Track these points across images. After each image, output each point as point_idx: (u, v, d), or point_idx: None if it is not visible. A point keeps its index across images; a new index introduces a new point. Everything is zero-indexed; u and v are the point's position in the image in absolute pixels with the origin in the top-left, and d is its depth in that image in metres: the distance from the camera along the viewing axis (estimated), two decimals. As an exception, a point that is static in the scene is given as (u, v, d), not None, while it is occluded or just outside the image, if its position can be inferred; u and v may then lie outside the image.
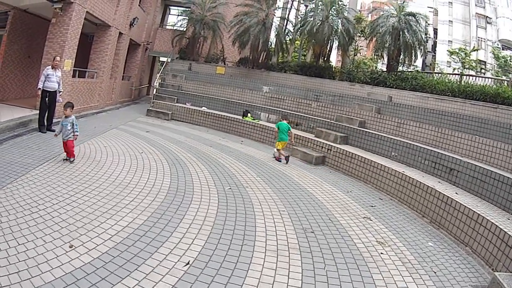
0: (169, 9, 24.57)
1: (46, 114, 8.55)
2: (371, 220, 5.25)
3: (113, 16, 13.39)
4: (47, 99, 8.39)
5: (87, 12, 10.95)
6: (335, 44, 15.65)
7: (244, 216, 4.82)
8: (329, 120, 10.66)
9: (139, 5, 17.06)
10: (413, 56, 13.39)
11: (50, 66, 8.52)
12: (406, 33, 12.90)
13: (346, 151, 8.46)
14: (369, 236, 4.66)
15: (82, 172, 6.04)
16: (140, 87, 21.39)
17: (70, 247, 3.58)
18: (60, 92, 8.80)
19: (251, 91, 14.08)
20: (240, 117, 12.46)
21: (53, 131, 8.20)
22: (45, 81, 8.33)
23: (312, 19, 14.76)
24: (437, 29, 34.64)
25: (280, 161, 8.75)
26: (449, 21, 34.94)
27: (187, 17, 18.93)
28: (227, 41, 17.60)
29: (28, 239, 3.60)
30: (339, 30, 14.30)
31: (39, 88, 8.32)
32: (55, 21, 10.12)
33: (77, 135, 6.41)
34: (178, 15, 22.23)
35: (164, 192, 5.54)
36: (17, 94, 11.89)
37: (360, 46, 17.42)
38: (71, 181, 5.52)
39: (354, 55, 16.71)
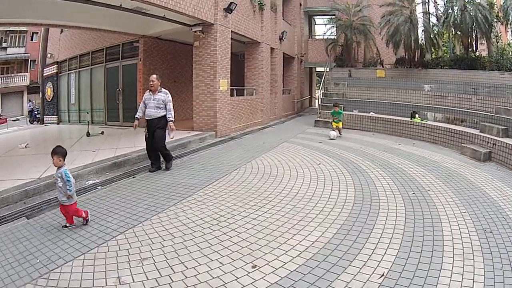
0: (314, 19, 25.46)
1: (152, 148, 7.27)
2: (535, 215, 5.32)
3: (261, 32, 14.28)
4: (145, 129, 7.19)
5: (232, 31, 11.68)
6: (478, 33, 16.05)
7: (430, 221, 4.90)
8: (489, 113, 10.77)
9: (283, 19, 18.10)
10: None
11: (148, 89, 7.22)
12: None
13: (508, 143, 8.56)
14: (535, 230, 4.73)
15: (259, 188, 6.09)
16: (302, 99, 22.69)
17: (253, 267, 3.52)
18: (170, 120, 7.06)
19: (413, 91, 14.55)
20: (408, 119, 12.81)
21: (168, 169, 7.32)
22: (145, 108, 7.12)
23: (451, 10, 15.61)
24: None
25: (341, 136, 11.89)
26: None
27: (334, 24, 20.46)
28: (380, 43, 18.43)
29: (199, 262, 3.63)
30: (478, 18, 14.69)
31: (136, 118, 7.25)
32: (198, 44, 10.99)
33: (70, 195, 4.28)
34: (325, 24, 23.96)
35: (350, 203, 5.51)
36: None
37: (500, 32, 17.20)
38: (247, 198, 5.58)
39: (497, 42, 16.87)
